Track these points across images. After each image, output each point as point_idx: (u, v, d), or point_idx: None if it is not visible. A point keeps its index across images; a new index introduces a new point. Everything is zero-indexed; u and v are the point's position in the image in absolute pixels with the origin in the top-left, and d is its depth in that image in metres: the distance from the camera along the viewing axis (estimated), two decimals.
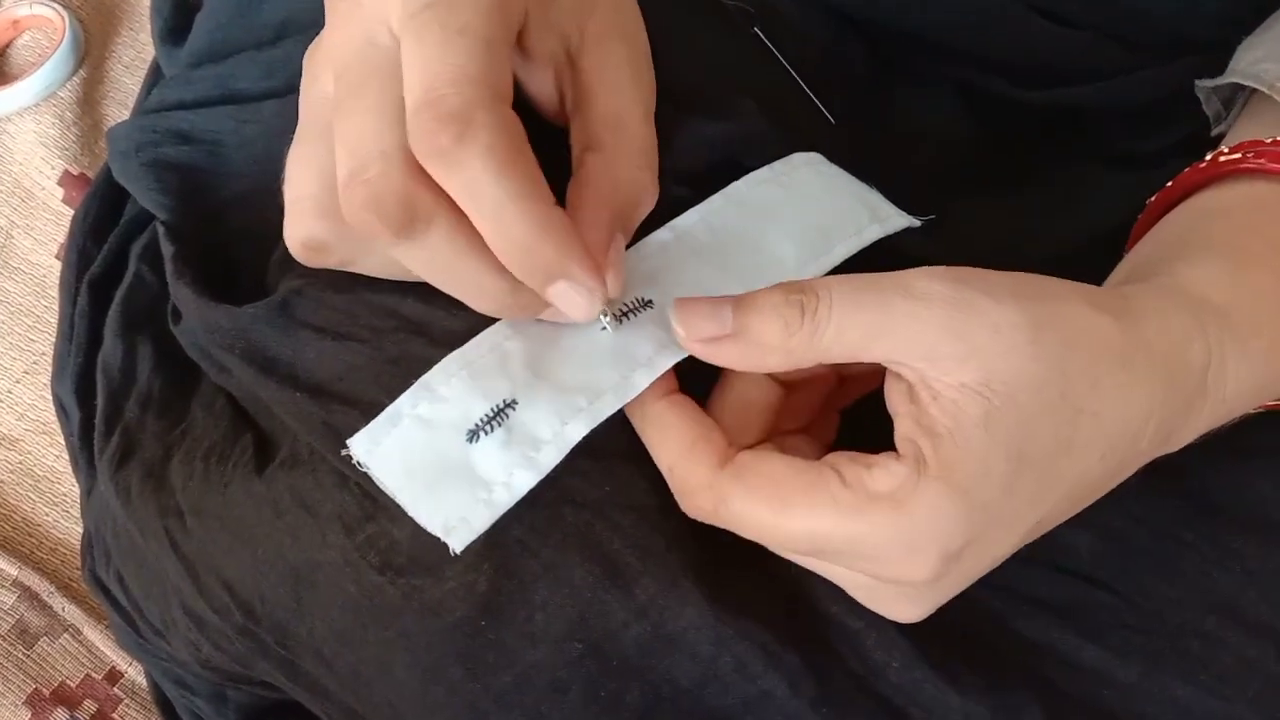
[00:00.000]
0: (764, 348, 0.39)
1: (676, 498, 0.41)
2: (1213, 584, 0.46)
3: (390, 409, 0.41)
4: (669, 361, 0.42)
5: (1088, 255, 0.49)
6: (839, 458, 0.39)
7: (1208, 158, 0.47)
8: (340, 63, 0.41)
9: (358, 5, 0.41)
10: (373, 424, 0.41)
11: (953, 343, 0.37)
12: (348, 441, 0.41)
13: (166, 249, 0.55)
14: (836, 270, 0.46)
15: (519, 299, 0.40)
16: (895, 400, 0.39)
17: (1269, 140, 0.46)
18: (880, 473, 0.38)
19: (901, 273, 0.39)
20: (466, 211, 0.38)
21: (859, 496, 0.37)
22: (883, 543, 0.37)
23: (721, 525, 0.40)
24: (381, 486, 0.40)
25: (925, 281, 0.38)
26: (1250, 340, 0.41)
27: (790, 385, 0.43)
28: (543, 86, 0.45)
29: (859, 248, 0.47)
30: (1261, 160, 0.46)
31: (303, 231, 0.42)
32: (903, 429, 0.38)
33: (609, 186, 0.42)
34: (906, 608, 0.41)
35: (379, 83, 0.39)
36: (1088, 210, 0.60)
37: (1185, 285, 0.42)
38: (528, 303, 0.41)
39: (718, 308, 0.40)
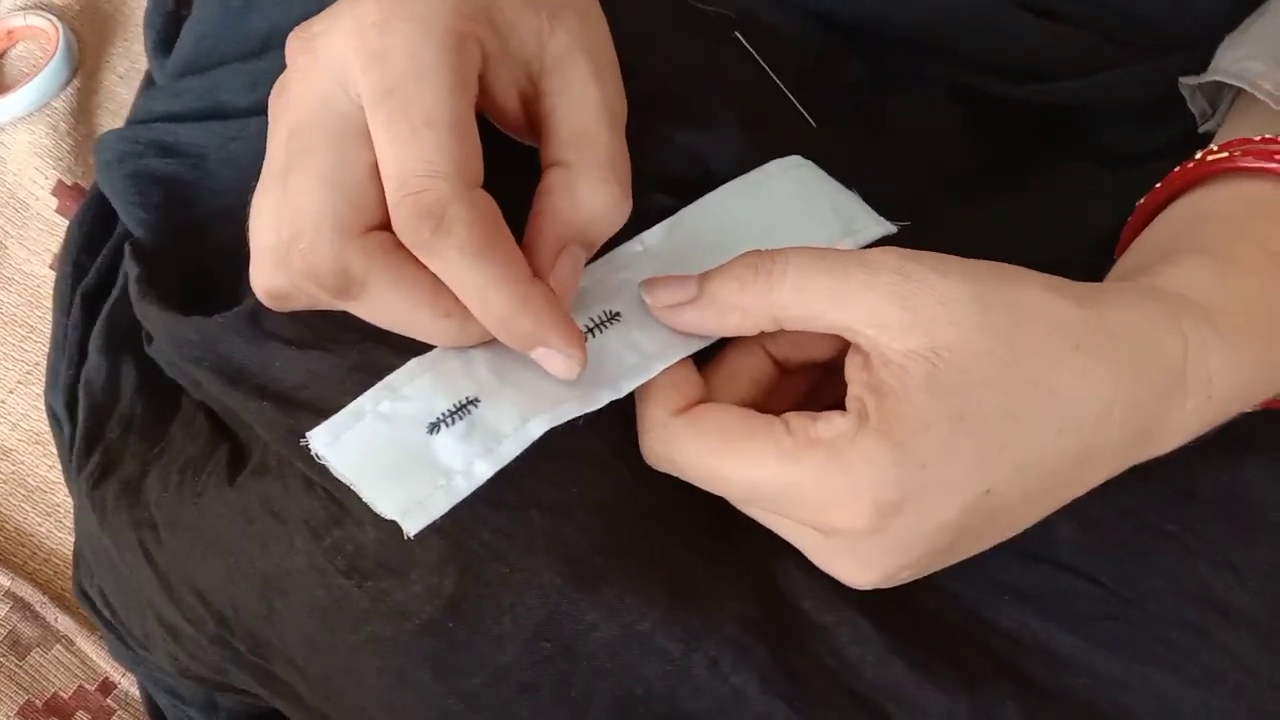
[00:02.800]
0: (721, 306, 0.42)
1: (639, 438, 0.43)
2: (1195, 575, 0.46)
3: (352, 405, 0.42)
4: (633, 384, 0.43)
5: (1083, 256, 0.49)
6: (790, 413, 0.40)
7: (1195, 157, 0.47)
8: (295, 119, 0.42)
9: (315, 60, 0.41)
10: (334, 418, 0.42)
11: (900, 311, 0.39)
12: (307, 434, 0.41)
13: (132, 269, 0.55)
14: None
15: (469, 333, 0.42)
16: (851, 369, 0.41)
17: (1257, 138, 0.46)
18: (823, 423, 0.39)
19: (860, 249, 0.41)
20: (451, 288, 0.40)
21: (799, 442, 0.39)
22: (817, 486, 0.39)
23: (670, 469, 0.42)
24: (340, 478, 0.41)
25: (880, 255, 0.40)
26: (1234, 336, 0.41)
27: (784, 368, 0.44)
28: (512, 119, 0.45)
29: None
30: (1249, 158, 0.46)
31: (265, 282, 0.43)
32: (853, 390, 0.40)
33: (568, 202, 0.42)
34: (855, 566, 0.42)
35: (325, 148, 0.41)
36: (1082, 211, 0.60)
37: (1162, 283, 0.43)
38: (479, 334, 0.42)
39: (683, 281, 0.43)
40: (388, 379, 0.42)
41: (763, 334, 0.43)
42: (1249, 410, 0.46)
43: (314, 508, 0.43)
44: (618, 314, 0.44)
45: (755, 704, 0.42)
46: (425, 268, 0.40)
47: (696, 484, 0.42)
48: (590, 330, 0.44)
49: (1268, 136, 0.46)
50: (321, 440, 0.41)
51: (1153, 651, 0.45)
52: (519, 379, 0.42)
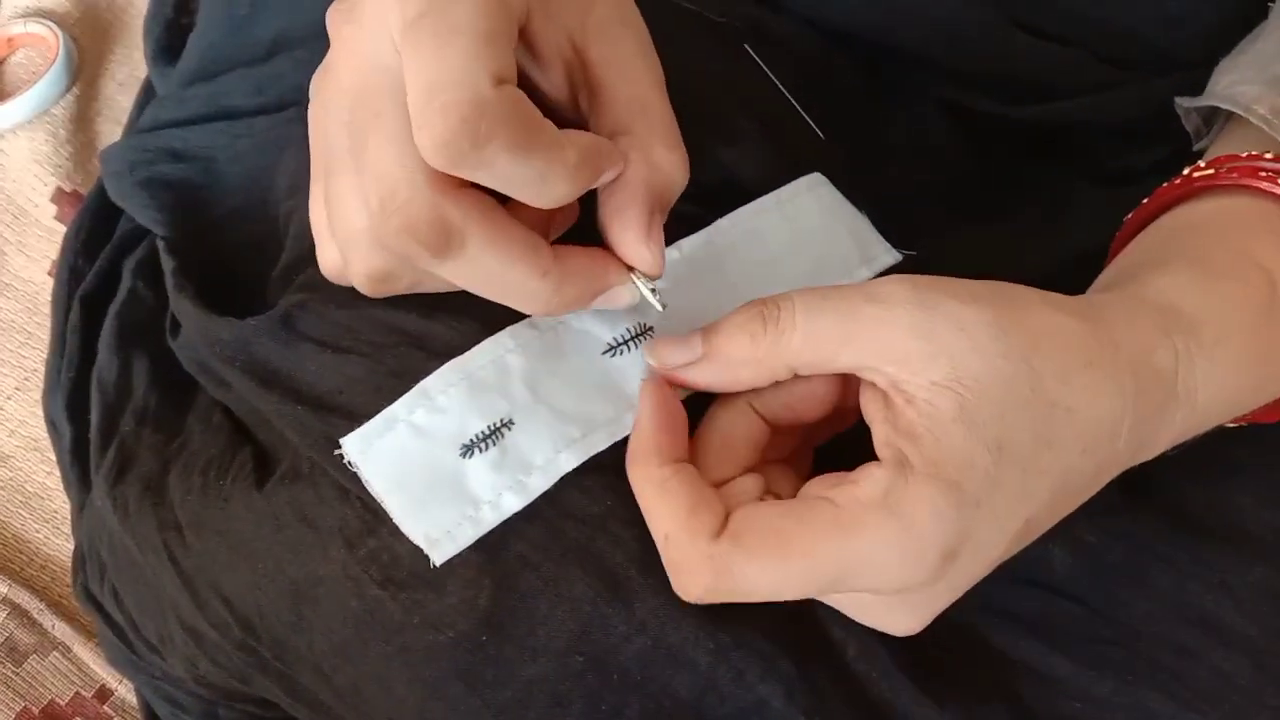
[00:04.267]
0: (733, 362, 0.41)
1: (669, 572, 0.40)
2: (1187, 597, 0.46)
3: (386, 412, 0.42)
4: None
5: (1074, 272, 0.50)
6: (820, 485, 0.39)
7: (1183, 173, 0.48)
8: (353, 91, 0.40)
9: (359, 27, 0.40)
10: (367, 425, 0.42)
11: (919, 342, 0.38)
12: (341, 440, 0.41)
13: (167, 263, 0.56)
14: None
15: (564, 296, 0.41)
16: (870, 409, 0.40)
17: (1244, 155, 0.47)
18: (866, 482, 0.38)
19: (865, 282, 0.40)
20: (512, 194, 0.38)
21: (852, 512, 0.37)
22: (883, 549, 0.37)
23: (728, 598, 0.39)
24: (369, 489, 0.41)
25: (889, 286, 0.39)
26: (1217, 348, 0.42)
27: (775, 426, 0.43)
28: (554, 84, 0.44)
29: None
30: (1234, 175, 0.46)
31: (366, 266, 0.42)
32: (881, 435, 0.39)
33: (648, 169, 0.42)
34: (902, 617, 0.41)
35: (393, 106, 0.39)
36: (1075, 228, 0.60)
37: (1151, 293, 0.43)
38: (573, 299, 0.41)
39: (687, 339, 0.42)
40: (422, 384, 0.42)
41: (751, 395, 0.42)
42: (1229, 426, 0.47)
43: (349, 516, 0.43)
44: (651, 329, 0.44)
45: (778, 713, 0.42)
46: (521, 224, 0.39)
47: (757, 599, 0.39)
48: (624, 344, 0.44)
49: (1254, 154, 0.47)
50: (354, 447, 0.41)
51: (1146, 673, 0.46)
52: (552, 397, 0.43)
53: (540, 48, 0.42)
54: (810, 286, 0.41)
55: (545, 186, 0.38)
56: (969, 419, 0.37)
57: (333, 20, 0.42)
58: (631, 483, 0.42)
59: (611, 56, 0.43)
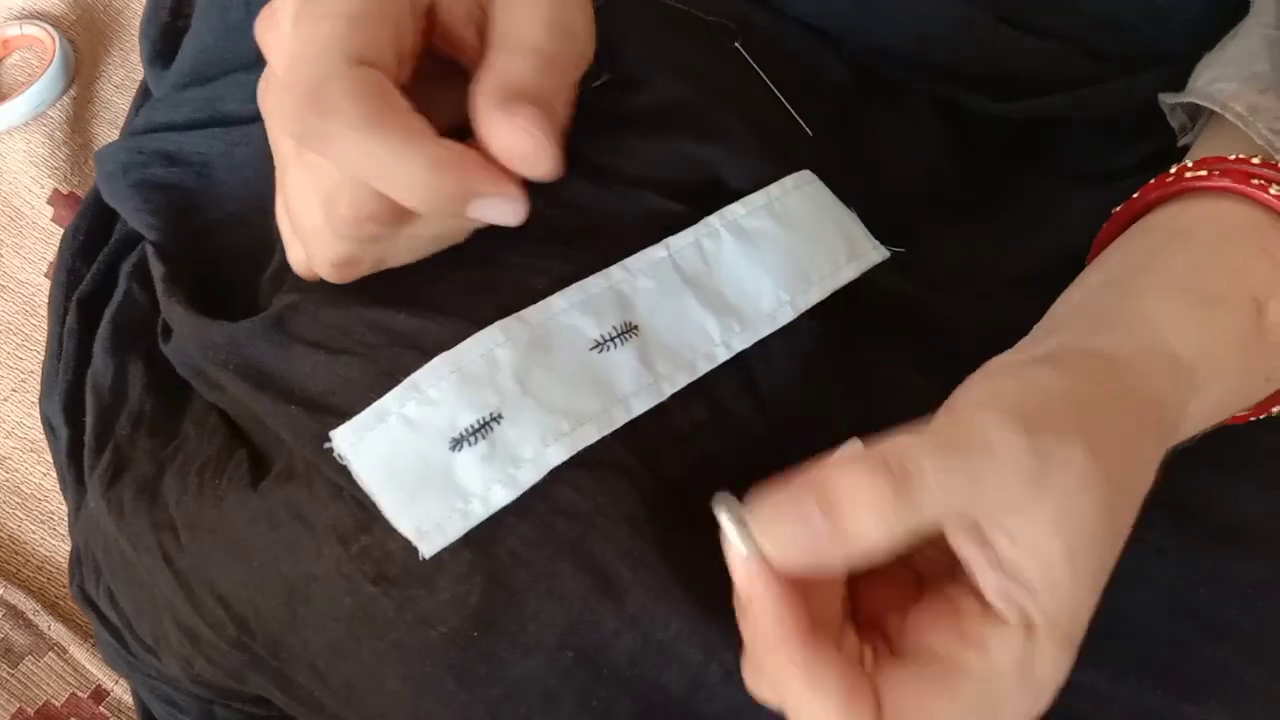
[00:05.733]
0: (863, 540, 0.36)
1: None
2: (1183, 591, 0.47)
3: (377, 405, 0.42)
4: (644, 405, 0.44)
5: (1061, 270, 0.50)
6: (935, 637, 0.38)
7: (1172, 171, 0.48)
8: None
9: (279, 34, 0.41)
10: (357, 418, 0.42)
11: (1035, 493, 0.37)
12: (331, 434, 0.42)
13: (156, 269, 0.56)
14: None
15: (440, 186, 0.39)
16: (964, 546, 0.38)
17: (1232, 158, 0.47)
18: (996, 646, 0.37)
19: (973, 421, 0.37)
20: (362, 176, 0.38)
21: (994, 680, 0.37)
22: (1018, 712, 0.37)
23: None
24: (359, 482, 0.41)
25: (1000, 434, 0.37)
26: (1206, 384, 0.42)
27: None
28: (472, 54, 0.43)
29: (834, 289, 0.48)
30: (1226, 179, 0.46)
31: (331, 254, 0.43)
32: (990, 581, 0.37)
33: (491, 74, 0.40)
34: None
35: None
36: (1062, 226, 0.60)
37: (1160, 345, 0.42)
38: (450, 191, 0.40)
39: (803, 512, 0.37)
40: (412, 377, 0.42)
41: None
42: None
43: (342, 514, 0.43)
44: (635, 327, 0.44)
45: (769, 714, 0.42)
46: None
47: None
48: (609, 340, 0.44)
49: (1241, 156, 0.47)
50: (345, 440, 0.42)
51: (1143, 667, 0.46)
52: (541, 390, 0.43)
53: (452, 24, 0.42)
54: (926, 438, 0.37)
55: (402, 174, 0.37)
56: (1075, 561, 0.37)
57: (258, 30, 0.42)
58: (769, 672, 0.38)
59: (505, 4, 0.42)
